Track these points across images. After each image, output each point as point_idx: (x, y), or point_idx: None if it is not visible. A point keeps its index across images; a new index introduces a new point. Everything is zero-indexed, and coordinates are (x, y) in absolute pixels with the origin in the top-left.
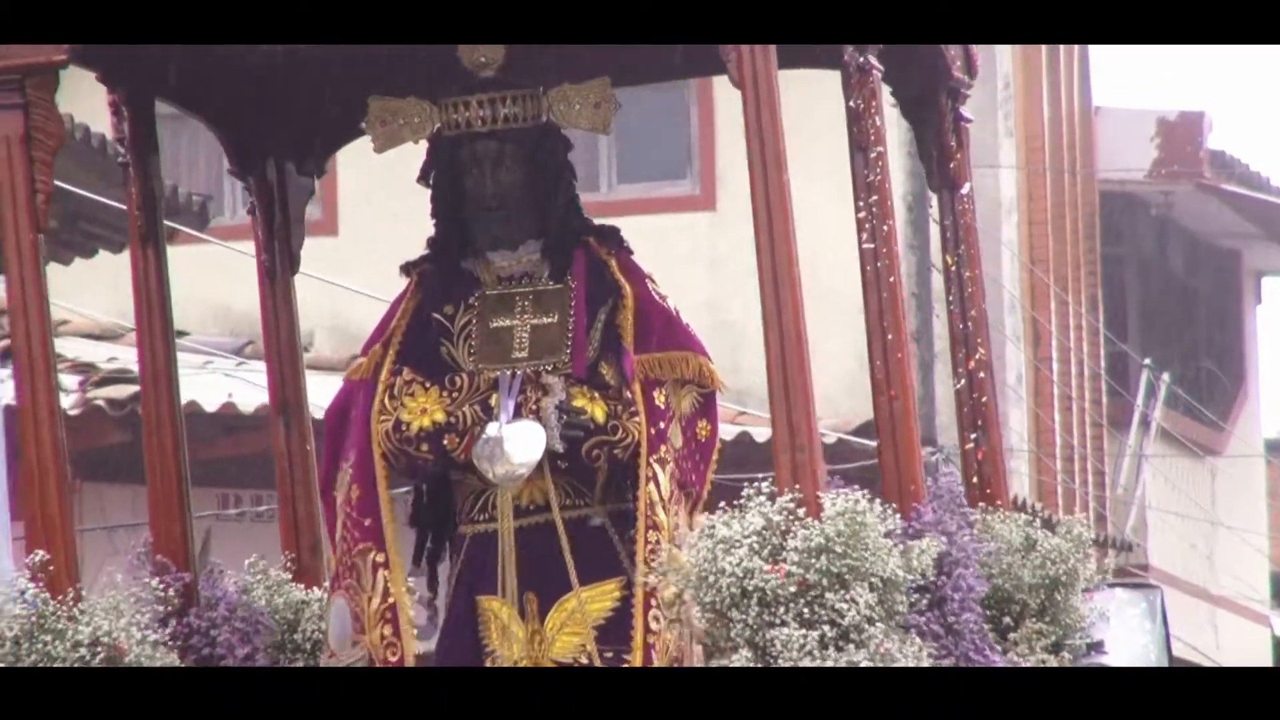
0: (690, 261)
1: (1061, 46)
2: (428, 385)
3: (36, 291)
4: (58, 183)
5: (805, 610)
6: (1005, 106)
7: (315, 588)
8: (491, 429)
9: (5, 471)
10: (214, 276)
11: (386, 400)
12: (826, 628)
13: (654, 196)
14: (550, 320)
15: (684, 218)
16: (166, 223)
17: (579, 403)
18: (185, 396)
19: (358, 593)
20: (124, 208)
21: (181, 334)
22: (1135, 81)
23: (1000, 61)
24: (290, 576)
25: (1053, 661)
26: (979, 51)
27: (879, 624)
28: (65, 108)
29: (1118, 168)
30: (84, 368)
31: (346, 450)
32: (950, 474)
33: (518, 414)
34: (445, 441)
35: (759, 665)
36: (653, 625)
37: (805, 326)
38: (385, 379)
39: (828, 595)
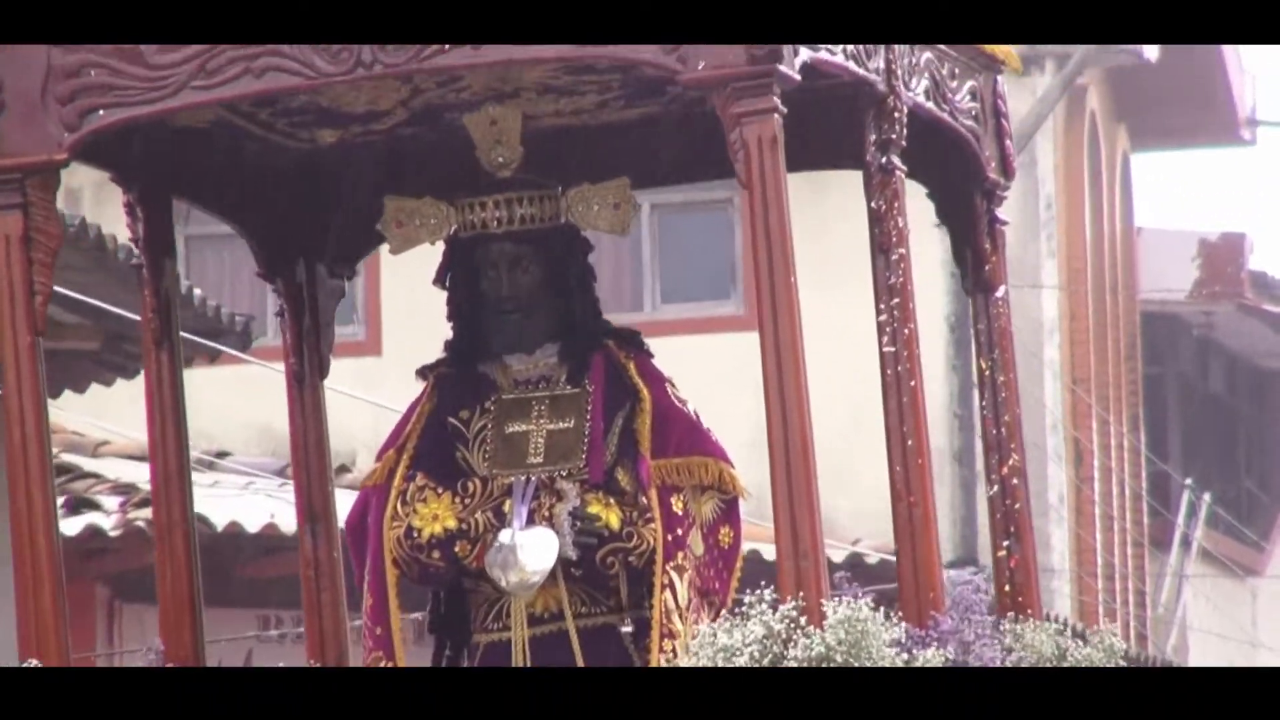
0: (734, 381)
1: (1104, 168)
2: (440, 491)
3: (34, 395)
4: (100, 303)
5: None
6: (1048, 227)
7: None
8: (504, 536)
9: None
10: (256, 397)
11: (399, 506)
12: None
13: (698, 317)
14: (566, 425)
15: (728, 338)
16: (210, 344)
17: (594, 509)
18: (228, 517)
19: None
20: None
21: (224, 454)
22: (1177, 201)
23: (1043, 183)
24: None
25: None
26: (1016, 160)
27: None
28: (95, 217)
29: (1159, 288)
30: (125, 488)
31: (364, 557)
32: (970, 584)
33: (531, 520)
34: (457, 548)
35: None
36: None
37: (811, 431)
38: (398, 485)
39: None
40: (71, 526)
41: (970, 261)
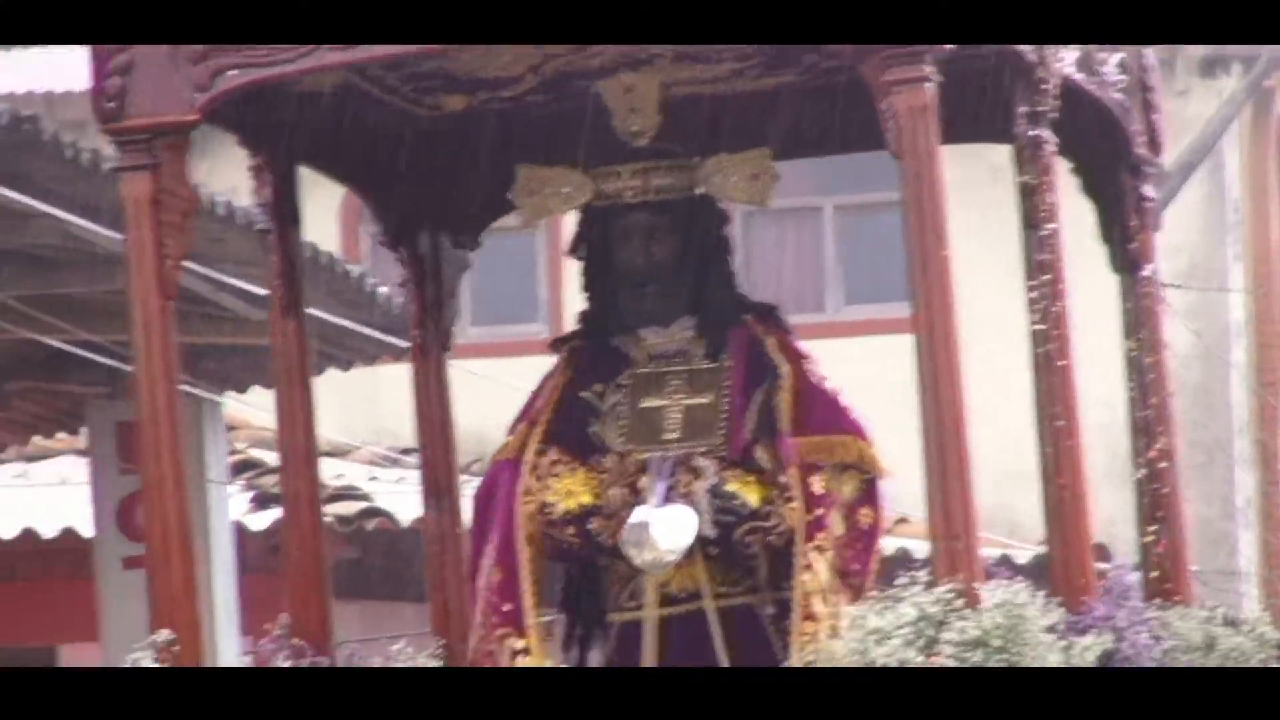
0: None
1: None
2: (574, 466)
3: (165, 360)
4: None
5: None
6: (1235, 231)
7: None
8: (640, 513)
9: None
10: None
11: (532, 481)
12: None
13: (881, 318)
14: (704, 401)
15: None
16: (396, 341)
17: (732, 487)
18: (414, 514)
19: None
20: (354, 326)
21: (408, 451)
22: None
23: (1230, 187)
24: (441, 664)
25: None
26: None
27: None
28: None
29: None
30: None
31: (490, 532)
32: (1123, 568)
33: (668, 498)
34: (592, 525)
35: None
36: None
37: (963, 408)
38: (531, 459)
39: None
40: (259, 521)
41: (1117, 239)
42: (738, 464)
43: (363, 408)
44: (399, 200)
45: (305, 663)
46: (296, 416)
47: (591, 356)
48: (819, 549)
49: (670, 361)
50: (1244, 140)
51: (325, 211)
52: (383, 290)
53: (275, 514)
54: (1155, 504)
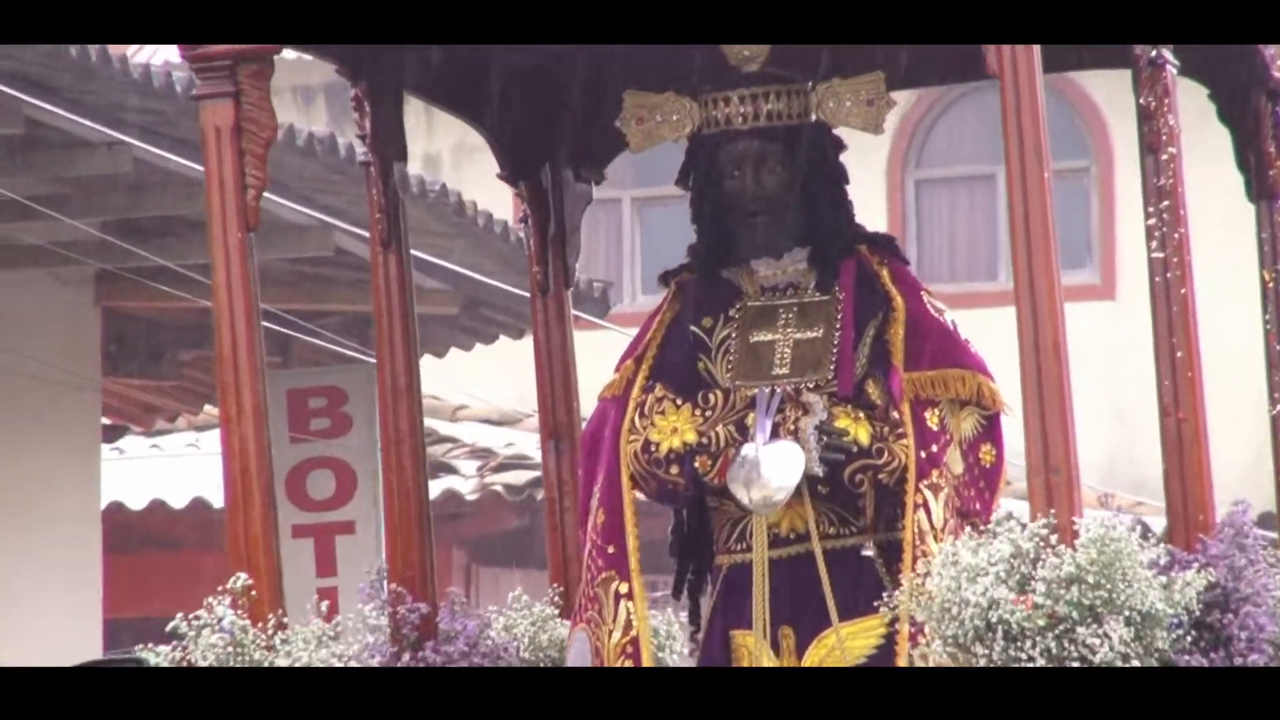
0: (1088, 350)
1: None
2: (680, 403)
3: (244, 294)
4: (460, 269)
5: (1053, 645)
6: None
7: None
8: (747, 450)
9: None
10: (613, 362)
11: (637, 419)
12: (1076, 665)
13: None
14: (815, 334)
15: (1084, 306)
16: (575, 312)
17: (842, 423)
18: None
19: (599, 625)
20: (526, 294)
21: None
22: None
23: None
24: (557, 612)
25: None
26: None
27: (1135, 661)
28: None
29: None
30: (482, 453)
31: (597, 473)
32: (1242, 505)
33: (775, 434)
34: (697, 463)
35: None
36: (918, 665)
37: (1063, 329)
38: (637, 396)
39: (1079, 629)
40: (429, 490)
41: (1254, 166)
42: (848, 400)
43: (534, 376)
44: (517, 133)
45: (403, 610)
46: (397, 353)
47: (701, 289)
48: (933, 487)
49: (781, 294)
50: None
51: (497, 180)
52: None
53: (445, 483)
54: None
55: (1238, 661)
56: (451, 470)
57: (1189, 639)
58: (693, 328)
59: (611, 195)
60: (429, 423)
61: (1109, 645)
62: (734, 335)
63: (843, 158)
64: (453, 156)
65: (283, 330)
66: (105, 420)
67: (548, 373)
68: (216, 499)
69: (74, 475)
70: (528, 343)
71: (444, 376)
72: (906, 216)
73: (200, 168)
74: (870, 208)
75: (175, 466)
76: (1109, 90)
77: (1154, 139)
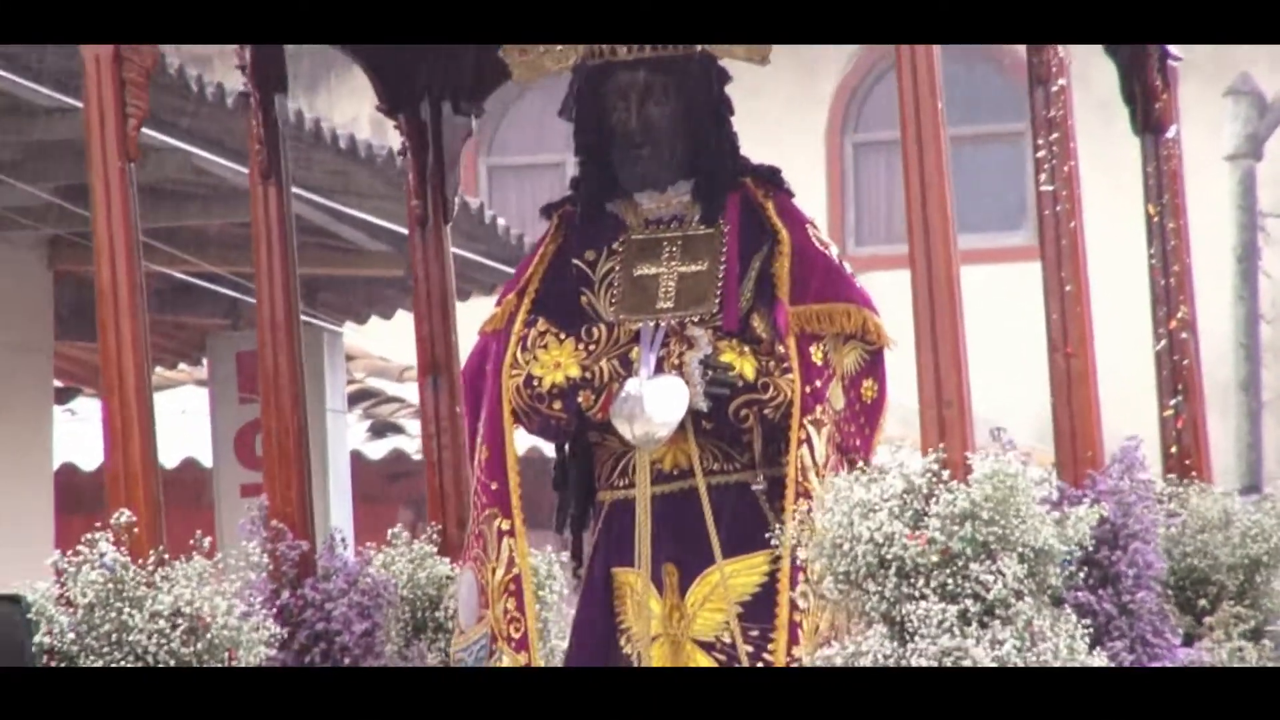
0: (1025, 309)
1: None
2: (563, 337)
3: (124, 226)
4: (405, 230)
5: (948, 582)
6: None
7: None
8: (631, 385)
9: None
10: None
11: (519, 353)
12: (970, 601)
13: (986, 248)
14: (699, 268)
15: (1018, 267)
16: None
17: (727, 357)
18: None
19: (484, 563)
20: (473, 257)
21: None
22: None
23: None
24: (435, 550)
25: (1250, 650)
26: None
27: (1028, 598)
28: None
29: None
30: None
31: (480, 409)
32: (1134, 441)
33: (660, 369)
34: (580, 399)
35: (895, 642)
36: (800, 603)
37: (957, 267)
38: (518, 330)
39: (972, 566)
40: (376, 450)
41: (1140, 99)
42: (733, 334)
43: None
44: (396, 65)
45: (283, 547)
46: (276, 288)
47: (584, 222)
48: (816, 423)
49: (665, 227)
50: None
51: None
52: (501, 221)
53: (392, 443)
54: (1175, 376)
55: (1125, 600)
56: (399, 430)
57: (1093, 578)
58: (575, 261)
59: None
60: (375, 383)
61: (1003, 582)
62: (618, 268)
63: (781, 121)
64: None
65: (231, 294)
66: (58, 383)
67: (425, 307)
68: (170, 459)
69: (26, 437)
70: (475, 304)
71: (392, 338)
72: (845, 179)
73: (154, 133)
74: (809, 171)
75: None
76: None
77: (1043, 70)
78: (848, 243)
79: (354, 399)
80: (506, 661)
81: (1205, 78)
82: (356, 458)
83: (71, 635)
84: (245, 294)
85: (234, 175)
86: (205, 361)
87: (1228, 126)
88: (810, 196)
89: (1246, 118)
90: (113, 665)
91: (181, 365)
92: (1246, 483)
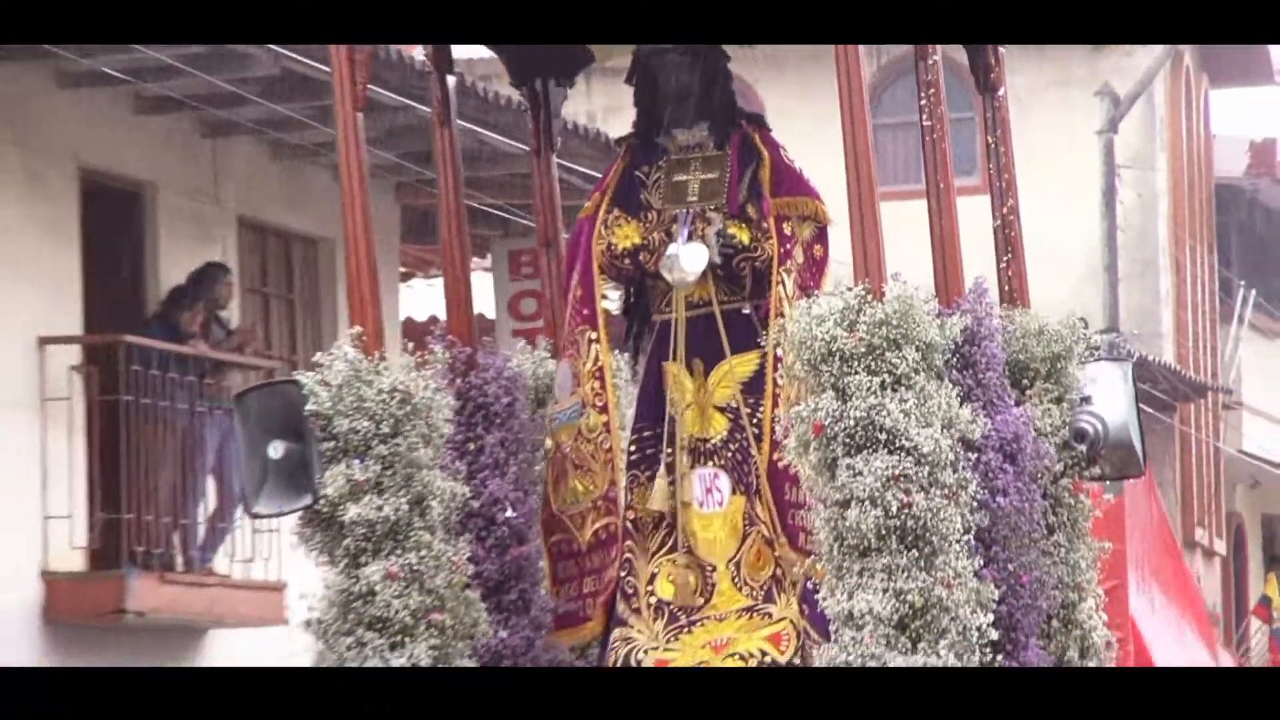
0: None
1: (1193, 99)
2: (629, 219)
3: (358, 164)
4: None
5: (872, 363)
6: (1161, 134)
7: None
8: (672, 248)
9: None
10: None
11: (603, 229)
12: (886, 375)
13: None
14: (714, 175)
15: (971, 199)
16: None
17: (732, 230)
18: None
19: (576, 358)
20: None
21: None
22: (1241, 120)
23: (1157, 105)
24: (549, 355)
25: (1055, 410)
26: None
27: (921, 374)
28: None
29: (1225, 170)
30: None
31: (576, 264)
32: (982, 280)
33: (690, 238)
34: (641, 257)
35: (840, 402)
36: (779, 381)
37: (866, 126)
38: (602, 216)
39: (887, 354)
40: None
41: (981, 70)
42: (736, 216)
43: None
44: (518, 57)
45: (455, 350)
46: (450, 191)
47: (641, 149)
48: (787, 271)
49: (692, 151)
50: (1166, 81)
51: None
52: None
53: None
54: (1007, 242)
55: (980, 376)
56: None
57: (959, 363)
58: (636, 172)
59: None
60: None
61: (906, 364)
62: (662, 177)
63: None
64: (603, 114)
65: (503, 214)
66: (402, 269)
67: (541, 204)
68: None
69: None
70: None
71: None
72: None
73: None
74: None
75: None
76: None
77: (923, 47)
78: None
79: None
80: (593, 418)
81: (1083, 85)
82: None
83: (329, 403)
84: (513, 215)
85: (503, 144)
86: (489, 256)
87: (1097, 113)
88: None
89: (1108, 108)
90: (355, 428)
91: (474, 259)
92: (1109, 325)
